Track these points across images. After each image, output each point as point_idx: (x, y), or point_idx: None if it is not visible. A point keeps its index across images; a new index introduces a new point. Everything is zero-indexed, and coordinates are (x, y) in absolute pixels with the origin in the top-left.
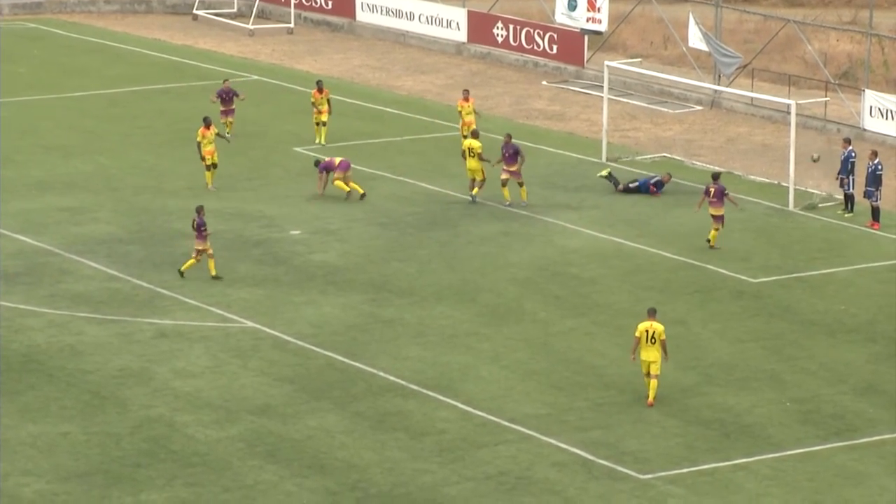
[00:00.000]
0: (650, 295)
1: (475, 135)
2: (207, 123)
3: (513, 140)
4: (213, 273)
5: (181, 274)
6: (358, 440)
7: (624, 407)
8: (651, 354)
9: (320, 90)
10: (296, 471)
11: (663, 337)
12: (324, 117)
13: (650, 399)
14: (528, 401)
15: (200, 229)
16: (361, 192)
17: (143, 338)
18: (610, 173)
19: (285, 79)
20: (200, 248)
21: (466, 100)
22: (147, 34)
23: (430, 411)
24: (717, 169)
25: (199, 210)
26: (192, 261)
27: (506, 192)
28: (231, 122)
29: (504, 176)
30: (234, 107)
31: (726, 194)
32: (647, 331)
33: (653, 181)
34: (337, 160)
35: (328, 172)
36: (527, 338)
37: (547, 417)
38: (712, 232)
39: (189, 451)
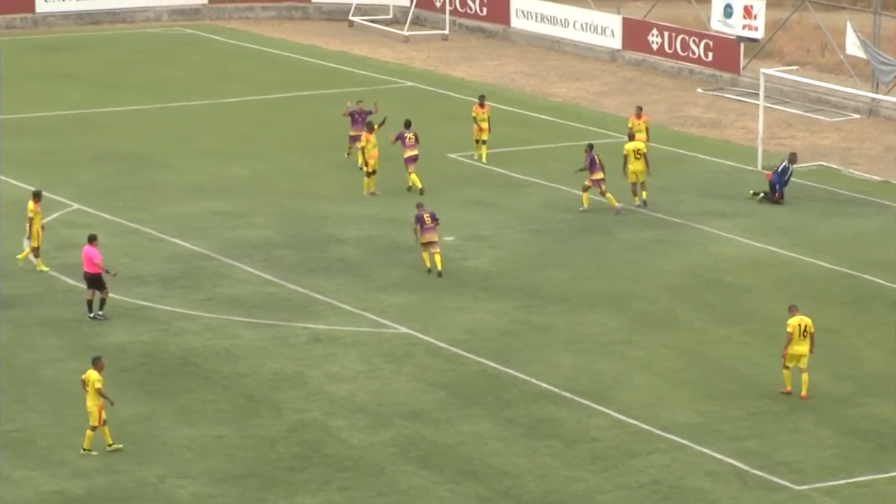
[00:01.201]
0: (805, 304)
1: (631, 137)
2: (370, 128)
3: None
4: (440, 268)
5: (435, 272)
6: (510, 447)
7: (778, 417)
8: (803, 348)
9: (482, 105)
10: (448, 476)
11: (813, 329)
12: (485, 135)
13: (804, 393)
14: (682, 409)
15: (434, 220)
16: (420, 185)
17: (298, 342)
18: (759, 193)
19: (439, 85)
20: (428, 240)
21: (639, 117)
22: (303, 40)
23: (583, 419)
24: (875, 178)
25: (420, 205)
26: (426, 254)
27: (585, 197)
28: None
29: (587, 183)
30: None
31: None
32: (799, 325)
33: (780, 170)
34: (409, 153)
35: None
36: (680, 346)
37: (700, 426)
38: None
39: (342, 456)
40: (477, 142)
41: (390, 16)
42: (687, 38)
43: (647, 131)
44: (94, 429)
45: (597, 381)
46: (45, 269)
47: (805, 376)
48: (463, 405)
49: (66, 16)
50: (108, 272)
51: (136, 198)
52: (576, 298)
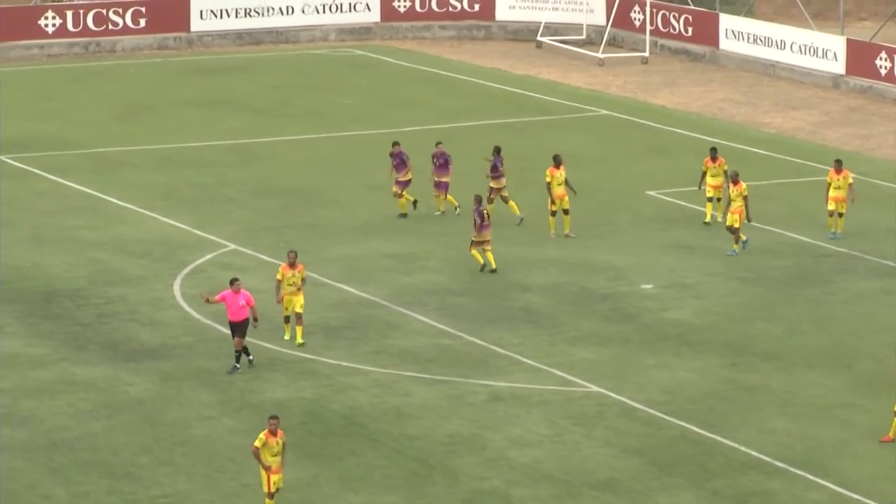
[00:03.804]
0: None
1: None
2: (557, 162)
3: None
4: (493, 266)
5: (489, 269)
6: None
7: None
8: None
9: (838, 170)
10: None
11: None
12: (843, 207)
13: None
14: None
15: (489, 217)
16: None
17: (476, 401)
18: None
19: (638, 114)
20: (484, 238)
21: (839, 171)
22: (485, 63)
23: (798, 492)
24: None
25: (479, 199)
26: (477, 252)
27: (512, 205)
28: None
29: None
30: (410, 177)
31: None
32: None
33: None
34: (436, 178)
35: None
36: None
37: None
38: None
39: None
40: (831, 214)
41: (583, 36)
42: None
43: (849, 188)
44: (269, 495)
45: (814, 449)
46: (301, 341)
47: None
48: (661, 474)
49: (223, 35)
50: (255, 319)
51: (298, 238)
52: (791, 356)
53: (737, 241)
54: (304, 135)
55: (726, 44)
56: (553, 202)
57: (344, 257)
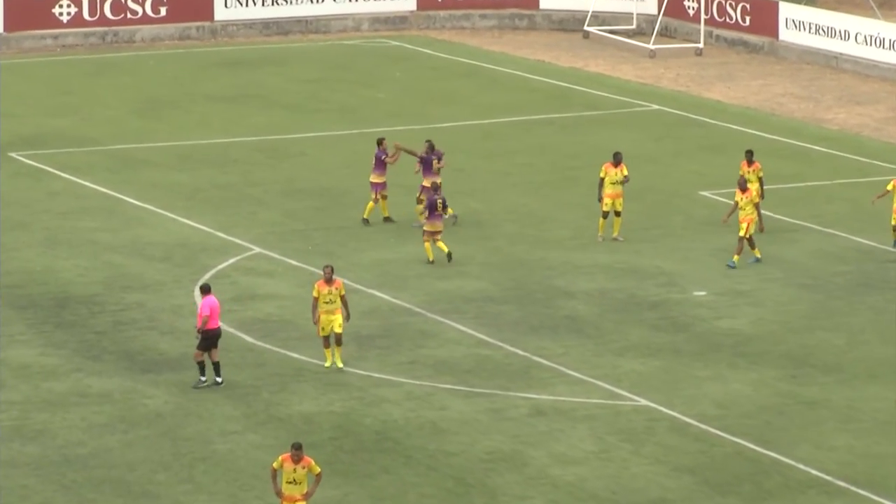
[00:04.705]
0: None
1: None
2: (617, 161)
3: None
4: (447, 250)
5: (445, 256)
6: None
7: None
8: None
9: None
10: None
11: None
12: None
13: None
14: None
15: (445, 208)
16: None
17: (517, 415)
18: None
19: (691, 109)
20: (436, 229)
21: None
22: (528, 55)
23: None
24: None
25: (436, 188)
26: (429, 244)
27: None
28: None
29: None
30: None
31: None
32: None
33: None
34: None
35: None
36: None
37: None
38: None
39: None
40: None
41: (633, 26)
42: None
43: None
44: None
45: (878, 467)
46: (340, 364)
47: None
48: (714, 494)
49: (249, 24)
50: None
51: (329, 241)
52: (853, 368)
53: (738, 252)
54: (336, 131)
55: (786, 34)
56: (601, 200)
57: (377, 262)
